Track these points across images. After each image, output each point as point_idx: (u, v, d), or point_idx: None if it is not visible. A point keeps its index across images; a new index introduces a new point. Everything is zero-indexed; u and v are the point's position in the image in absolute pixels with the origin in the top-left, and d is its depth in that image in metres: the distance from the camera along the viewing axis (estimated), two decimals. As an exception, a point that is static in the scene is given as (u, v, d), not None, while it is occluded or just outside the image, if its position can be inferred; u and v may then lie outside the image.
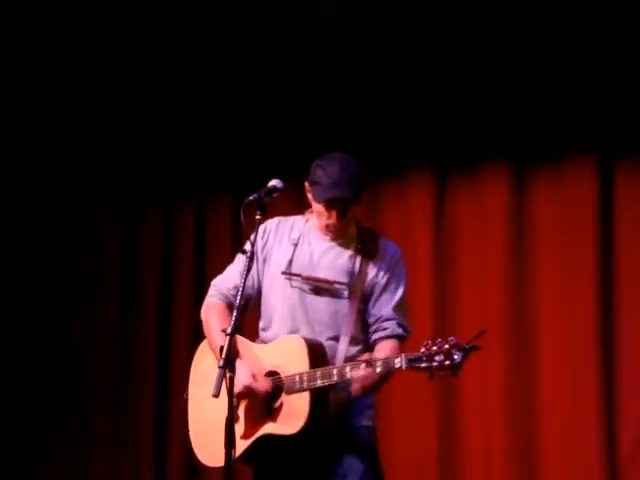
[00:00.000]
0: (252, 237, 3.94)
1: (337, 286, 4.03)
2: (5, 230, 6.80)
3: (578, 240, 5.75)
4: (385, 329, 4.03)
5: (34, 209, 6.85)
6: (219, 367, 3.64)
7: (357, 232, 4.13)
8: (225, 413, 3.90)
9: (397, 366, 3.73)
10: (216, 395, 3.66)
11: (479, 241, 5.96)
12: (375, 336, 4.04)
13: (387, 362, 3.78)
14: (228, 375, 3.65)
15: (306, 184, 4.08)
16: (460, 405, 5.89)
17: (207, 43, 6.31)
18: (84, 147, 6.82)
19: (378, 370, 3.78)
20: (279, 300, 4.08)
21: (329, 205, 4.00)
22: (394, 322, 4.04)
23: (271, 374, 3.97)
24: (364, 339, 4.05)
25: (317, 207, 4.05)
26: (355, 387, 3.83)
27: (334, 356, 3.96)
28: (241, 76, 6.42)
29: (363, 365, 3.79)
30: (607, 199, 5.73)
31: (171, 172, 6.71)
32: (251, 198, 3.92)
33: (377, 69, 6.15)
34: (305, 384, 3.87)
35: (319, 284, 4.05)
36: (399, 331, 4.03)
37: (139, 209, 6.79)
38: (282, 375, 3.94)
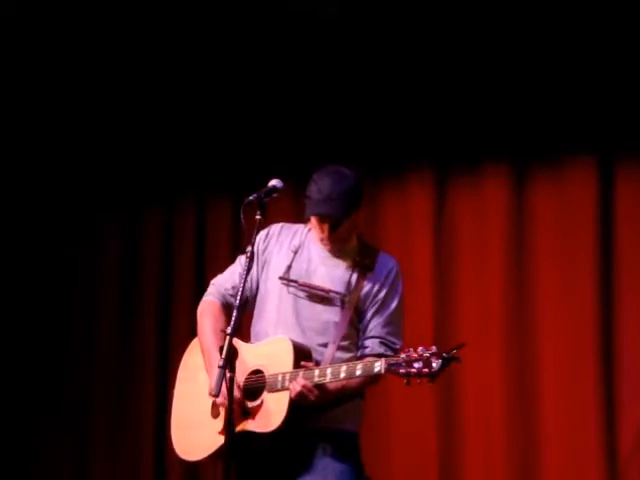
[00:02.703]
0: (253, 237, 3.95)
1: (332, 295, 4.04)
2: (5, 230, 6.80)
3: (578, 240, 5.75)
4: (366, 347, 4.05)
5: (34, 209, 6.84)
6: (219, 367, 3.67)
7: (357, 245, 4.14)
8: (207, 410, 4.00)
9: (376, 370, 3.77)
10: (216, 395, 3.70)
11: (479, 241, 5.96)
12: (358, 353, 4.05)
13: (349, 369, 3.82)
14: (228, 375, 3.67)
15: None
16: (460, 405, 5.89)
17: (207, 44, 6.31)
18: (84, 148, 6.82)
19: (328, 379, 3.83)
20: (274, 304, 4.10)
21: (320, 220, 4.03)
22: (377, 341, 4.05)
23: (255, 372, 3.99)
24: (355, 348, 4.05)
25: (312, 220, 4.07)
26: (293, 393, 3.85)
27: (322, 362, 3.96)
28: (241, 76, 6.42)
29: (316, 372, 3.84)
30: (607, 199, 5.73)
31: (171, 172, 6.71)
32: (251, 198, 3.94)
33: (377, 69, 6.15)
34: (287, 383, 3.88)
35: (315, 291, 4.05)
36: (379, 350, 4.03)
37: (139, 209, 6.79)
38: (266, 374, 3.96)
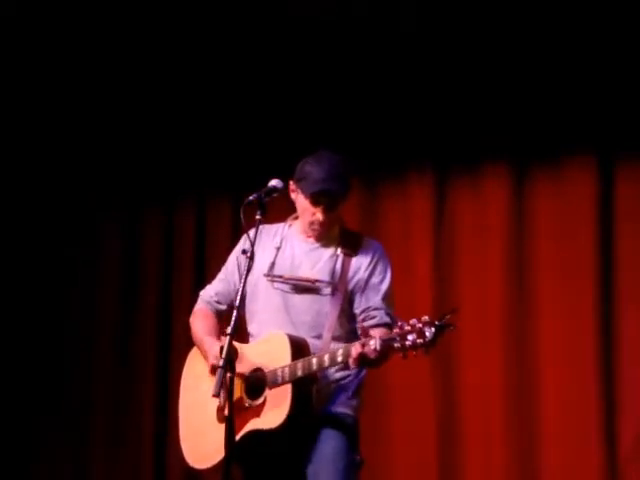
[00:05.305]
0: (252, 237, 3.95)
1: (318, 284, 4.05)
2: (5, 231, 6.79)
3: (578, 240, 5.75)
4: (373, 317, 4.04)
5: (34, 209, 6.84)
6: (219, 367, 3.67)
7: (340, 233, 4.15)
8: (213, 416, 3.98)
9: (372, 348, 3.73)
10: (216, 395, 3.70)
11: (479, 241, 5.97)
12: (365, 324, 4.01)
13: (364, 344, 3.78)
14: (228, 375, 3.68)
15: (291, 183, 4.11)
16: (460, 404, 5.89)
17: (206, 44, 6.31)
18: (84, 148, 6.82)
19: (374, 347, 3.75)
20: (262, 303, 4.12)
21: (317, 199, 4.03)
22: (382, 311, 4.05)
23: (255, 371, 4.00)
24: (349, 338, 4.04)
25: (303, 204, 4.07)
26: (351, 361, 3.81)
27: (317, 353, 3.95)
28: (240, 76, 6.43)
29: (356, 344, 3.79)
30: (607, 198, 5.73)
31: (171, 172, 6.71)
32: (251, 198, 3.95)
33: (377, 69, 6.15)
34: (287, 376, 3.89)
35: (301, 283, 4.07)
36: (387, 319, 4.04)
37: (139, 209, 6.79)
38: (265, 371, 3.96)
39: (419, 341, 3.62)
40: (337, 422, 3.99)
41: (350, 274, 4.06)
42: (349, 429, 4.02)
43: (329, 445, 3.96)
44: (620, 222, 5.70)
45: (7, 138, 6.78)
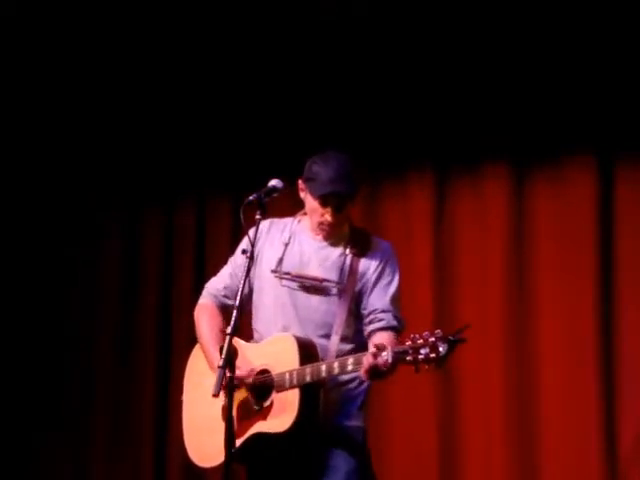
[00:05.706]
0: (252, 237, 3.94)
1: (326, 284, 4.02)
2: (5, 231, 6.80)
3: (578, 240, 5.75)
4: (381, 320, 4.01)
5: (34, 209, 6.84)
6: (219, 367, 3.67)
7: (349, 232, 4.13)
8: (218, 414, 3.94)
9: (384, 359, 3.69)
10: (216, 395, 3.69)
11: (479, 241, 5.97)
12: (370, 328, 4.01)
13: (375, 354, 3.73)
14: (228, 375, 3.67)
15: (300, 182, 4.08)
16: (460, 405, 5.89)
17: (206, 44, 6.32)
18: (84, 147, 6.82)
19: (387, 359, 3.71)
20: (270, 299, 4.09)
21: (325, 201, 4.00)
22: (390, 314, 4.02)
23: (262, 373, 3.98)
24: (356, 338, 4.03)
25: (312, 204, 4.05)
26: (362, 371, 3.77)
27: (325, 354, 3.94)
28: (241, 76, 6.43)
29: (369, 354, 3.75)
30: (607, 199, 5.73)
31: (171, 172, 6.71)
32: (251, 198, 3.94)
33: (377, 69, 6.15)
34: (295, 381, 3.86)
35: (309, 282, 4.04)
36: (394, 323, 4.01)
37: (139, 209, 6.79)
38: (273, 373, 3.94)
39: (432, 355, 3.59)
40: (350, 438, 3.96)
41: (358, 274, 4.04)
42: (362, 444, 4.01)
43: (343, 467, 3.92)
44: (620, 222, 5.70)
45: (7, 138, 6.78)
